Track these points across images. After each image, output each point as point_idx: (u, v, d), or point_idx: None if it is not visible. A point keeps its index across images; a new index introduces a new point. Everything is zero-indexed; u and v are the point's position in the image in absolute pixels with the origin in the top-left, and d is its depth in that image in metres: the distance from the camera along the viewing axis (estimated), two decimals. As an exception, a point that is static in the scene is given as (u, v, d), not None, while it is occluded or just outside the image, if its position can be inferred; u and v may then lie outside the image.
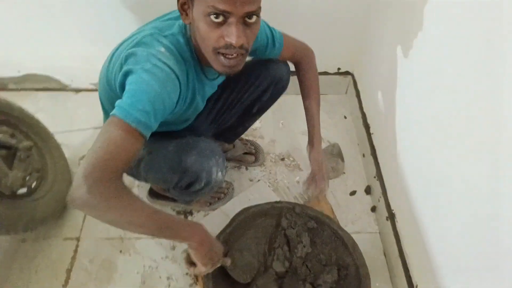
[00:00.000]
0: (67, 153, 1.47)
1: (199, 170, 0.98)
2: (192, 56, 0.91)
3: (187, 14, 0.82)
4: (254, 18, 0.78)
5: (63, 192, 1.34)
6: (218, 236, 1.09)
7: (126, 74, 0.80)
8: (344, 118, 1.76)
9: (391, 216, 1.28)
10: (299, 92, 1.28)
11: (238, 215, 1.17)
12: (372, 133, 1.50)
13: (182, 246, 1.30)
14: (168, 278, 1.24)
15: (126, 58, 0.82)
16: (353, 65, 1.75)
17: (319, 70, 1.75)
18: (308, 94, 1.27)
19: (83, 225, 1.34)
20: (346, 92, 1.85)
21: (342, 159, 1.56)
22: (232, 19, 0.75)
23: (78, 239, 1.31)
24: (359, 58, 1.67)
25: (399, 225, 1.24)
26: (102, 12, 1.49)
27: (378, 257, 1.32)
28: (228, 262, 1.00)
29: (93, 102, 1.75)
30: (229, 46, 0.78)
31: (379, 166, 1.41)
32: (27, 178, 1.20)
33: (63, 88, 1.78)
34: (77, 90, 1.79)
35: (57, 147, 1.41)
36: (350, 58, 1.72)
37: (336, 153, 1.56)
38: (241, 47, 0.79)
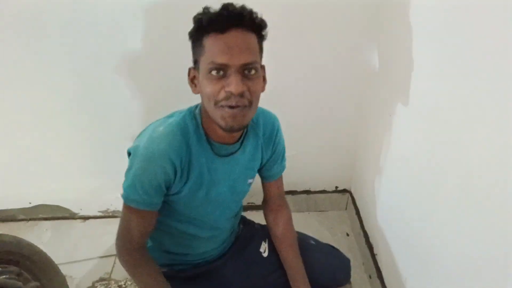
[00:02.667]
0: (71, 285, 1.46)
1: None
2: (198, 132, 0.95)
3: (195, 85, 0.91)
4: (253, 71, 0.84)
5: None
6: None
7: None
8: (346, 235, 1.78)
9: None
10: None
11: None
12: (376, 254, 1.51)
13: None
14: None
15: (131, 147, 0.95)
16: (350, 183, 1.84)
17: (318, 189, 1.86)
18: (286, 239, 1.21)
19: None
20: (346, 208, 1.91)
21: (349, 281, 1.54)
22: (230, 71, 0.81)
23: None
24: (355, 176, 1.77)
25: None
26: (107, 149, 1.64)
27: None
28: None
29: (100, 230, 1.81)
30: (229, 96, 0.82)
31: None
32: (31, 322, 1.18)
33: (71, 216, 1.84)
34: (85, 218, 1.85)
35: (63, 284, 1.41)
36: (346, 176, 1.82)
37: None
38: (242, 95, 0.82)
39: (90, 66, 1.43)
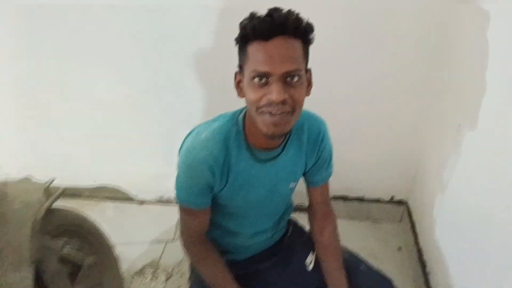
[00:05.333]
0: (123, 267, 1.54)
1: None
2: (238, 138, 0.97)
3: (241, 89, 0.91)
4: (296, 78, 0.83)
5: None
6: None
7: None
8: (398, 249, 1.70)
9: None
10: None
11: None
12: (429, 273, 1.43)
13: None
14: None
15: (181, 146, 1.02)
16: (407, 194, 1.75)
17: (372, 197, 1.79)
18: (330, 253, 1.18)
19: None
20: (400, 221, 1.82)
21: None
22: (272, 79, 0.81)
23: None
24: (414, 187, 1.68)
25: None
26: (169, 136, 1.70)
27: None
28: None
29: (154, 214, 1.90)
30: (270, 103, 0.82)
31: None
32: (86, 294, 1.26)
33: (129, 199, 1.94)
34: (141, 202, 1.94)
35: (116, 263, 1.49)
36: (404, 187, 1.73)
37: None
38: (283, 103, 0.82)
39: (161, 63, 1.55)
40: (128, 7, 1.44)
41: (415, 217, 1.67)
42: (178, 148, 1.07)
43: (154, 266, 1.62)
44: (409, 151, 1.61)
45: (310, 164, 1.10)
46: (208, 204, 1.04)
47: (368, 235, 1.76)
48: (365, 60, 1.40)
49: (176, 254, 1.66)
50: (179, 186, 1.01)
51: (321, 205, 1.20)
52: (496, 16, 1.02)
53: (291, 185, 1.12)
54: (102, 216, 1.83)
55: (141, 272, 1.59)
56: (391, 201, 1.78)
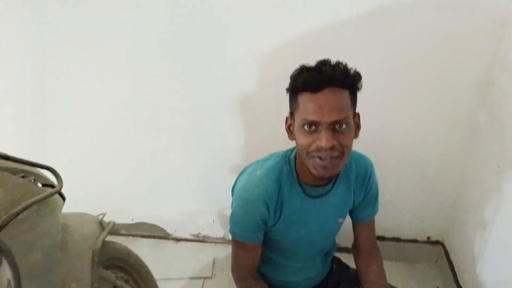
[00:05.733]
0: (164, 302, 1.56)
1: None
2: (291, 176, 1.03)
3: (292, 133, 0.98)
4: (344, 126, 0.88)
5: None
6: None
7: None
8: (436, 289, 1.68)
9: None
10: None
11: None
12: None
13: None
14: None
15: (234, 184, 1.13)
16: (443, 235, 1.75)
17: (408, 237, 1.79)
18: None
19: None
20: (436, 261, 1.81)
21: None
22: (321, 127, 0.87)
23: None
24: (451, 227, 1.69)
25: None
26: (206, 176, 1.78)
27: None
28: None
29: (191, 252, 1.92)
30: (320, 149, 0.88)
31: None
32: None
33: (165, 236, 1.98)
34: (178, 240, 1.98)
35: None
36: (440, 227, 1.74)
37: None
38: (332, 149, 0.87)
39: (205, 105, 1.64)
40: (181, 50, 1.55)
41: (452, 257, 1.66)
42: (231, 187, 1.15)
43: (194, 302, 1.62)
44: (446, 191, 1.64)
45: (358, 201, 1.15)
46: (261, 240, 1.09)
47: (405, 276, 1.75)
48: (408, 98, 1.47)
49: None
50: (234, 221, 1.07)
51: (367, 242, 1.23)
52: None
53: (340, 220, 1.17)
54: (140, 253, 1.87)
55: (182, 308, 1.60)
56: (428, 241, 1.78)
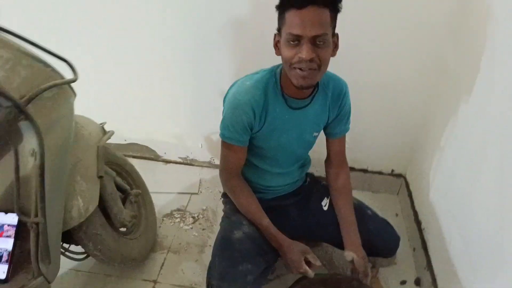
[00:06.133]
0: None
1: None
2: (276, 87, 1.20)
3: (278, 48, 1.12)
4: (323, 42, 1.02)
5: (149, 240, 1.57)
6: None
7: None
8: (395, 215, 1.92)
9: (441, 305, 1.36)
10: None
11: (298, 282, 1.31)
12: (423, 229, 1.65)
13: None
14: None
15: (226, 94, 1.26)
16: (405, 168, 1.98)
17: (375, 170, 2.01)
18: (342, 196, 1.41)
19: (160, 271, 1.53)
20: (398, 193, 2.04)
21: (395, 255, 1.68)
22: (303, 41, 1.02)
23: (155, 282, 1.48)
24: (412, 162, 1.90)
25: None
26: (198, 101, 1.90)
27: None
28: (310, 274, 1.20)
29: (178, 173, 2.09)
30: (301, 60, 1.03)
31: (430, 258, 1.53)
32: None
33: (155, 158, 2.13)
34: (167, 161, 2.14)
35: (151, 202, 1.68)
36: (403, 161, 1.96)
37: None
38: (311, 60, 1.03)
39: (192, 29, 1.69)
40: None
41: (412, 188, 1.89)
42: (223, 98, 1.28)
43: (181, 211, 1.81)
44: (411, 127, 1.82)
45: (332, 117, 1.33)
46: (246, 143, 1.26)
47: (369, 204, 1.97)
48: (380, 31, 1.57)
49: (200, 204, 1.86)
50: (224, 125, 1.22)
51: (338, 155, 1.42)
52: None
53: (315, 134, 1.34)
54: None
55: (170, 214, 1.79)
56: (391, 174, 2.00)
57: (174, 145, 2.08)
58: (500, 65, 1.16)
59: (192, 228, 1.72)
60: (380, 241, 1.40)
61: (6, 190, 1.03)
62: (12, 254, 1.04)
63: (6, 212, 1.04)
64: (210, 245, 1.66)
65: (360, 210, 1.44)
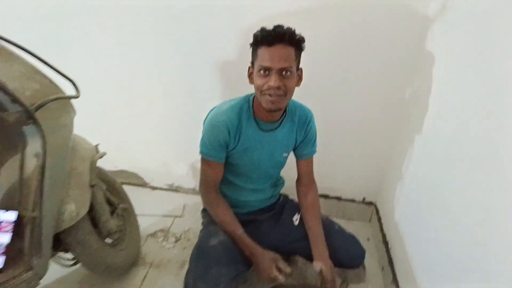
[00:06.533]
0: (138, 230, 1.84)
1: None
2: (249, 112, 1.38)
3: (251, 78, 1.32)
4: (288, 73, 1.22)
5: (132, 254, 1.67)
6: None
7: None
8: (367, 240, 2.04)
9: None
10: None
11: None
12: (390, 248, 1.77)
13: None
14: None
15: (206, 117, 1.42)
16: (376, 196, 2.13)
17: (348, 197, 2.16)
18: (310, 211, 1.55)
19: (142, 283, 1.61)
20: (370, 220, 2.18)
21: (364, 270, 1.79)
22: (272, 72, 1.22)
23: (136, 293, 1.57)
24: (380, 190, 2.07)
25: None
26: (184, 131, 2.07)
27: None
28: (280, 279, 1.31)
29: (164, 198, 2.21)
30: (270, 87, 1.22)
31: (395, 273, 1.65)
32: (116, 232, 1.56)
33: (143, 184, 2.26)
34: (154, 188, 2.27)
35: (136, 221, 1.80)
36: (373, 190, 2.12)
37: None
38: (278, 88, 1.22)
39: (188, 64, 1.87)
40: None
41: (381, 213, 2.03)
42: (203, 121, 1.46)
43: (165, 232, 1.92)
44: (378, 159, 2.01)
45: (300, 140, 1.51)
46: (223, 159, 1.42)
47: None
48: (349, 70, 1.76)
49: (183, 226, 1.97)
50: (203, 143, 1.40)
51: (306, 176, 1.59)
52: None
53: (284, 154, 1.52)
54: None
55: (154, 234, 1.89)
56: (363, 202, 2.15)
57: (161, 173, 2.22)
58: (444, 105, 1.39)
59: (174, 246, 1.82)
60: (345, 253, 1.52)
61: (9, 190, 1.16)
62: (8, 247, 1.14)
63: (6, 210, 1.16)
64: (191, 262, 1.76)
65: (328, 225, 1.57)
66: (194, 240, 1.86)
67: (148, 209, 2.06)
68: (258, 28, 1.24)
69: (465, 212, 1.14)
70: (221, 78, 1.90)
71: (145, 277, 1.64)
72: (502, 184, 0.98)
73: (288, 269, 1.36)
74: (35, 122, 1.08)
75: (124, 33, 1.85)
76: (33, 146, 1.13)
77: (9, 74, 1.06)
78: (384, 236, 1.89)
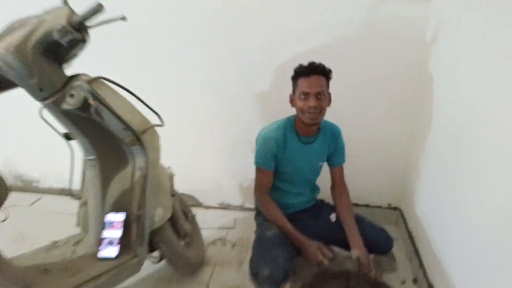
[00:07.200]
0: (200, 239, 2.20)
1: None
2: (292, 129, 1.78)
3: (293, 103, 1.74)
4: (322, 96, 1.64)
5: (201, 255, 2.03)
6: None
7: None
8: (395, 239, 2.33)
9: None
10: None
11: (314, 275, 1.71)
12: (415, 241, 2.07)
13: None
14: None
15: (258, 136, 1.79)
16: (399, 201, 2.44)
17: (375, 204, 2.47)
18: (344, 209, 1.89)
19: (211, 278, 1.95)
20: (396, 224, 2.47)
21: (395, 260, 2.08)
22: (310, 96, 1.64)
23: (207, 286, 1.91)
24: (403, 196, 2.38)
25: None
26: (233, 154, 2.46)
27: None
28: (325, 262, 1.63)
29: (218, 216, 2.56)
30: (309, 108, 1.64)
31: (422, 261, 1.93)
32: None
33: (198, 205, 2.65)
34: (207, 207, 2.65)
35: (198, 228, 2.17)
36: (397, 196, 2.42)
37: (391, 257, 2.10)
38: (315, 107, 1.63)
39: (237, 93, 2.28)
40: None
41: (405, 214, 2.33)
42: (255, 139, 1.86)
43: (222, 240, 2.28)
44: (398, 167, 2.34)
45: (331, 151, 1.90)
46: (273, 168, 1.81)
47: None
48: (366, 91, 2.15)
49: (237, 235, 2.32)
50: (258, 155, 1.79)
51: (339, 181, 1.96)
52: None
53: (320, 163, 1.90)
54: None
55: (213, 243, 2.25)
56: (389, 207, 2.46)
57: (213, 193, 2.60)
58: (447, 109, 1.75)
59: (232, 250, 2.18)
60: (376, 240, 1.83)
61: (119, 196, 1.57)
62: (120, 240, 1.53)
63: (117, 212, 1.56)
64: (247, 261, 2.09)
65: (360, 219, 1.90)
66: (248, 244, 2.20)
67: (205, 224, 2.42)
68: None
69: (482, 206, 1.28)
70: (257, 107, 2.32)
71: (212, 273, 1.99)
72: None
73: (330, 254, 1.68)
74: (141, 143, 1.50)
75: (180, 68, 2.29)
76: (139, 161, 1.55)
77: (122, 108, 1.49)
78: (410, 233, 2.18)
